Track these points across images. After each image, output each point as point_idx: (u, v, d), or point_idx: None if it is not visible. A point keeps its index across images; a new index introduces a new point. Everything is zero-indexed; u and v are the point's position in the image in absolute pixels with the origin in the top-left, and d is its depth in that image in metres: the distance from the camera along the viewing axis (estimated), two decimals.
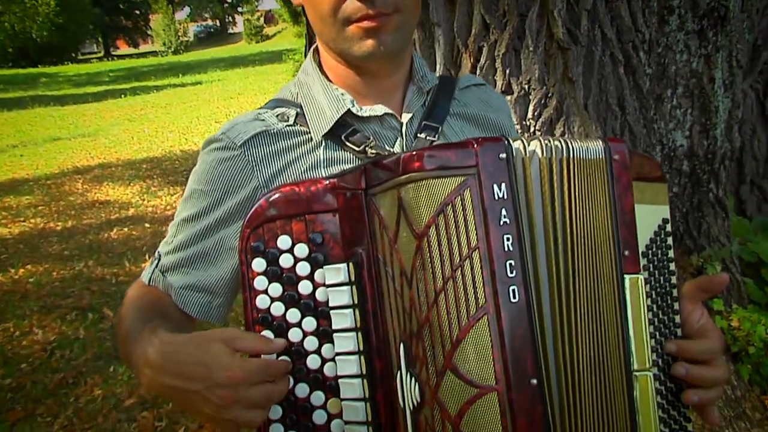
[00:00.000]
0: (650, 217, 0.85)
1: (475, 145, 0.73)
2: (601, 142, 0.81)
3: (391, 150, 0.99)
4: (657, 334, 0.84)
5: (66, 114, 14.15)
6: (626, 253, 0.80)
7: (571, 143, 0.79)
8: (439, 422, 0.72)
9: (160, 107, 13.96)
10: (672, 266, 0.87)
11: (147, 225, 6.15)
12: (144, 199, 7.10)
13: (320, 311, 0.83)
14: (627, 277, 0.79)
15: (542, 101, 2.33)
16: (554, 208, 0.76)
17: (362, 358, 0.81)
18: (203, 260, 1.00)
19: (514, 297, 0.71)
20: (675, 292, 0.87)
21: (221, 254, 0.99)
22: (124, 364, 3.59)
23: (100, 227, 6.28)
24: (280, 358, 0.80)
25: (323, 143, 0.99)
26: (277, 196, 0.84)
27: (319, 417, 0.83)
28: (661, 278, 0.86)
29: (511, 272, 0.72)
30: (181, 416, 3.12)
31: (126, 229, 6.12)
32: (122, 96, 16.42)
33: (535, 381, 0.70)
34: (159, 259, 1.04)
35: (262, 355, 0.80)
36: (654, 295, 0.84)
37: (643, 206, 0.83)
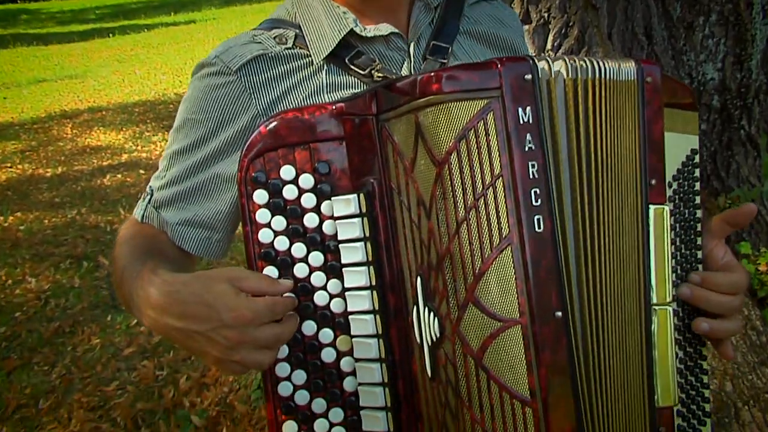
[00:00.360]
0: (679, 146, 0.84)
1: (499, 66, 0.71)
2: (633, 63, 0.79)
3: (398, 73, 0.96)
4: (678, 268, 0.83)
5: (50, 54, 13.96)
6: (653, 182, 0.79)
7: (600, 63, 0.77)
8: (460, 357, 0.71)
9: (151, 47, 13.75)
10: (698, 199, 0.86)
11: (142, 171, 6.13)
12: (137, 145, 7.06)
13: (328, 245, 0.83)
14: (652, 207, 0.79)
15: (563, 30, 2.26)
16: (579, 133, 0.74)
17: (374, 293, 0.80)
18: (199, 194, 0.98)
19: (539, 227, 0.70)
20: (699, 227, 0.86)
21: (218, 187, 0.97)
22: (122, 309, 3.63)
23: (92, 174, 6.27)
24: (285, 296, 0.80)
25: (325, 67, 0.95)
26: (278, 122, 0.82)
27: (327, 355, 0.83)
28: (686, 211, 0.85)
29: (536, 201, 0.70)
30: (182, 365, 3.17)
31: (120, 176, 6.11)
32: (110, 35, 16.17)
33: (559, 313, 0.70)
34: (151, 195, 1.02)
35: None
36: (678, 229, 0.84)
37: (672, 134, 0.81)
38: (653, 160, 0.79)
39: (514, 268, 0.69)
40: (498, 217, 0.70)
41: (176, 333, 0.77)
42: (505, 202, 0.70)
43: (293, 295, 0.81)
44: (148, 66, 11.70)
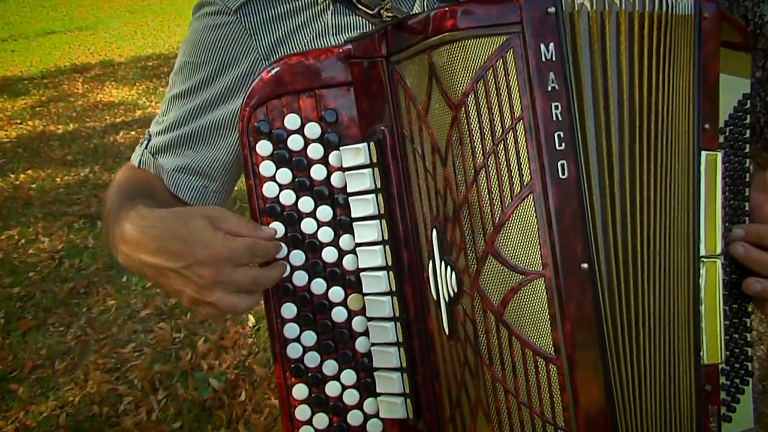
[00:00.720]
0: (731, 89, 0.82)
1: None
2: None
3: (410, 12, 0.94)
4: (727, 220, 0.82)
5: (58, 4, 13.97)
6: (706, 126, 0.77)
7: None
8: (479, 313, 0.70)
9: None
10: (747, 148, 0.84)
11: None
12: (152, 100, 7.08)
13: (337, 198, 0.82)
14: (704, 153, 0.78)
15: None
16: (607, 71, 0.72)
17: (387, 248, 0.80)
18: (197, 141, 0.98)
19: (563, 173, 0.68)
20: (747, 178, 0.85)
21: (217, 134, 0.97)
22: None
23: (104, 130, 6.32)
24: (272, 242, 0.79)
25: (331, 7, 0.93)
26: (281, 68, 0.81)
27: (338, 314, 0.83)
28: (736, 160, 0.84)
29: (560, 145, 0.68)
30: (200, 327, 3.23)
31: (133, 133, 6.15)
32: None
33: (585, 265, 0.68)
34: (149, 140, 1.02)
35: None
36: (727, 178, 0.82)
37: (725, 76, 0.80)
38: (707, 103, 0.77)
39: (536, 217, 0.68)
40: (519, 163, 0.68)
41: (150, 270, 0.76)
42: (527, 146, 0.68)
43: (282, 244, 0.80)
44: (161, 17, 11.66)
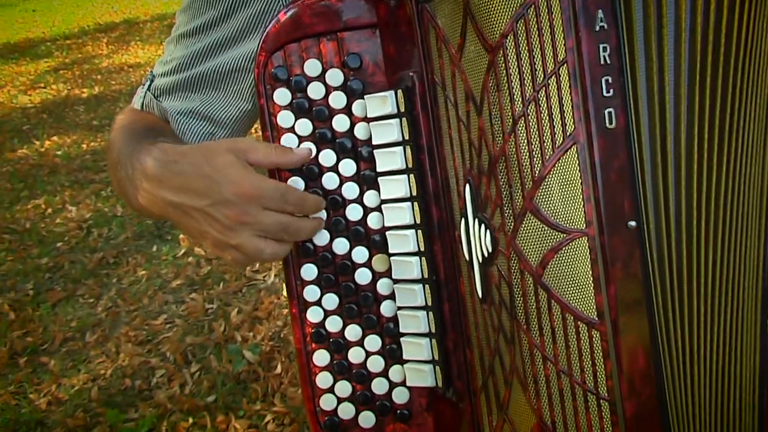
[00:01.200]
0: None
1: None
2: None
3: None
4: None
5: None
6: None
7: None
8: (516, 274, 0.69)
9: None
10: None
11: None
12: None
13: (361, 151, 0.82)
14: None
15: None
16: (662, 5, 0.68)
17: (415, 204, 0.79)
18: (206, 84, 0.97)
19: (610, 122, 0.66)
20: None
21: (229, 78, 0.96)
22: (168, 239, 3.76)
23: (131, 93, 6.39)
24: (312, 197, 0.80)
25: None
26: (299, 8, 0.81)
27: (362, 276, 0.83)
28: None
29: (608, 91, 0.66)
30: (233, 298, 3.28)
31: None
32: None
33: (633, 223, 0.66)
34: (151, 81, 1.01)
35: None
36: None
37: None
38: None
39: (579, 170, 0.66)
40: (561, 111, 0.66)
41: (173, 210, 0.76)
42: (570, 93, 0.66)
43: (323, 200, 0.80)
44: None
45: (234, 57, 0.95)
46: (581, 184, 0.66)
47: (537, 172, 0.67)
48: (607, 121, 0.66)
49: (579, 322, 0.67)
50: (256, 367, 2.77)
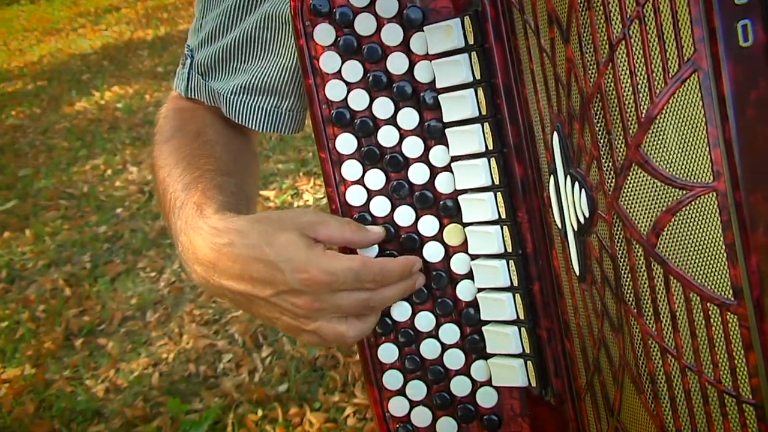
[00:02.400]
0: None
1: None
2: None
3: None
4: None
5: None
6: None
7: None
8: (621, 243, 0.66)
9: None
10: None
11: None
12: None
13: (423, 97, 0.80)
14: None
15: None
16: None
17: (493, 161, 0.78)
18: (250, 46, 0.97)
19: (745, 39, 0.61)
20: None
21: (274, 32, 0.96)
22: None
23: None
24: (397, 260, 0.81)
25: None
26: None
27: (432, 251, 0.82)
28: None
29: None
30: None
31: None
32: None
33: None
34: (191, 58, 1.02)
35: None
36: None
37: None
38: None
39: (703, 106, 0.61)
40: (676, 30, 0.61)
41: (234, 297, 0.79)
42: (688, 3, 0.61)
43: (410, 260, 0.80)
44: None
45: (273, 3, 0.94)
46: (705, 123, 0.62)
47: (644, 111, 0.63)
48: (740, 38, 0.61)
49: (708, 304, 0.63)
50: (334, 352, 2.82)
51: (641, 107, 0.63)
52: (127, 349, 3.12)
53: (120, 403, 2.80)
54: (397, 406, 0.85)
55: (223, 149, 0.98)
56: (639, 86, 0.63)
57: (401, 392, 0.84)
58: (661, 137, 0.63)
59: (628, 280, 0.67)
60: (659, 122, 0.63)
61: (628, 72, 0.63)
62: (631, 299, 0.67)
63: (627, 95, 0.64)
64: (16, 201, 4.62)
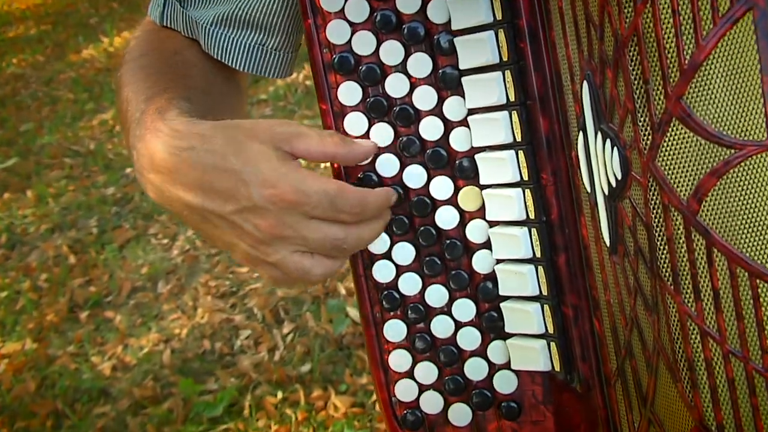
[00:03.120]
0: None
1: None
2: None
3: None
4: None
5: None
6: None
7: None
8: (657, 209, 0.65)
9: None
10: None
11: None
12: None
13: (438, 41, 0.79)
14: None
15: None
16: None
17: (514, 113, 0.77)
18: None
19: None
20: None
21: None
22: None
23: None
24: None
25: None
26: None
27: (446, 217, 0.81)
28: None
29: None
30: None
31: None
32: None
33: None
34: None
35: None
36: None
37: None
38: None
39: (758, 51, 0.60)
40: None
41: (188, 212, 0.77)
42: None
43: (394, 191, 0.80)
44: None
45: None
46: (760, 71, 0.60)
47: (688, 57, 0.61)
48: None
49: (757, 281, 0.62)
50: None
51: (684, 52, 0.61)
52: (136, 323, 3.16)
53: (128, 383, 2.84)
54: (404, 390, 0.85)
55: (201, 74, 0.97)
56: (682, 27, 0.61)
57: (410, 375, 0.84)
58: (707, 87, 0.62)
59: (665, 252, 0.66)
60: (705, 69, 0.62)
61: (669, 10, 0.62)
62: (667, 274, 0.66)
63: (668, 38, 0.62)
64: (16, 158, 4.68)
